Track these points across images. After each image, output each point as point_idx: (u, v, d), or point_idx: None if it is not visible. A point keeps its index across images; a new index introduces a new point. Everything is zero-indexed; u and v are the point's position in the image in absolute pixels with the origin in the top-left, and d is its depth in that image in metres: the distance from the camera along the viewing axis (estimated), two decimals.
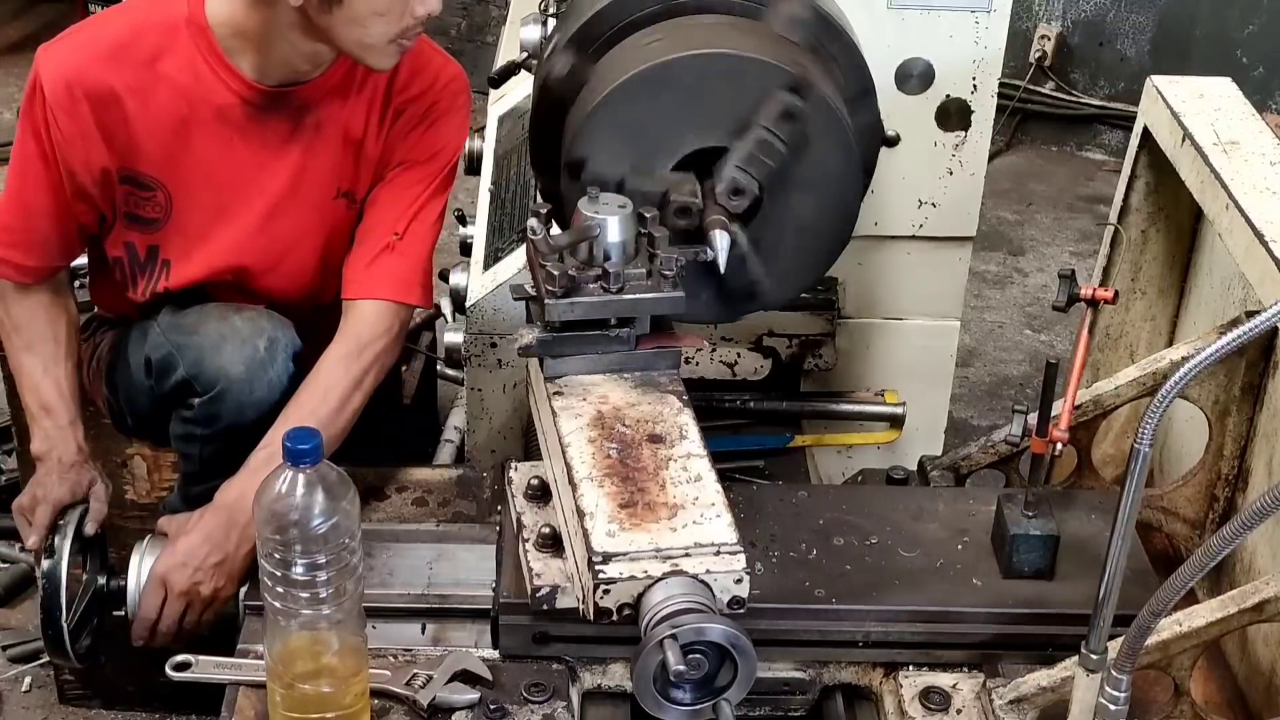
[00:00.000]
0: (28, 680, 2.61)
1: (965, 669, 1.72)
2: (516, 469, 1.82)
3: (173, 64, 1.86)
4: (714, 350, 2.38)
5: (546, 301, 1.65)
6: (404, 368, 2.75)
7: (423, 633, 1.75)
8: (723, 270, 1.71)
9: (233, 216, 1.96)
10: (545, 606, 1.64)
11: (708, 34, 1.77)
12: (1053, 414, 1.76)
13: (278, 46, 1.85)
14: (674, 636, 1.43)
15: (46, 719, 2.55)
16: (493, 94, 2.76)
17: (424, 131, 1.98)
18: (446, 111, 2.00)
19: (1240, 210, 1.88)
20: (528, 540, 1.70)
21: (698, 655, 1.46)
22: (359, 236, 2.00)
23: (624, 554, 1.50)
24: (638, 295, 1.66)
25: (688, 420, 1.66)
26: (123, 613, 1.87)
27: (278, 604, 1.54)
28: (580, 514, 1.54)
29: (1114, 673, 1.48)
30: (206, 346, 1.89)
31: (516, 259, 2.34)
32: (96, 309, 2.19)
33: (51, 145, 1.86)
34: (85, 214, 1.95)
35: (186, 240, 1.97)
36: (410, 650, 1.71)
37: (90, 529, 1.90)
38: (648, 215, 1.69)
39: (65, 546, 1.84)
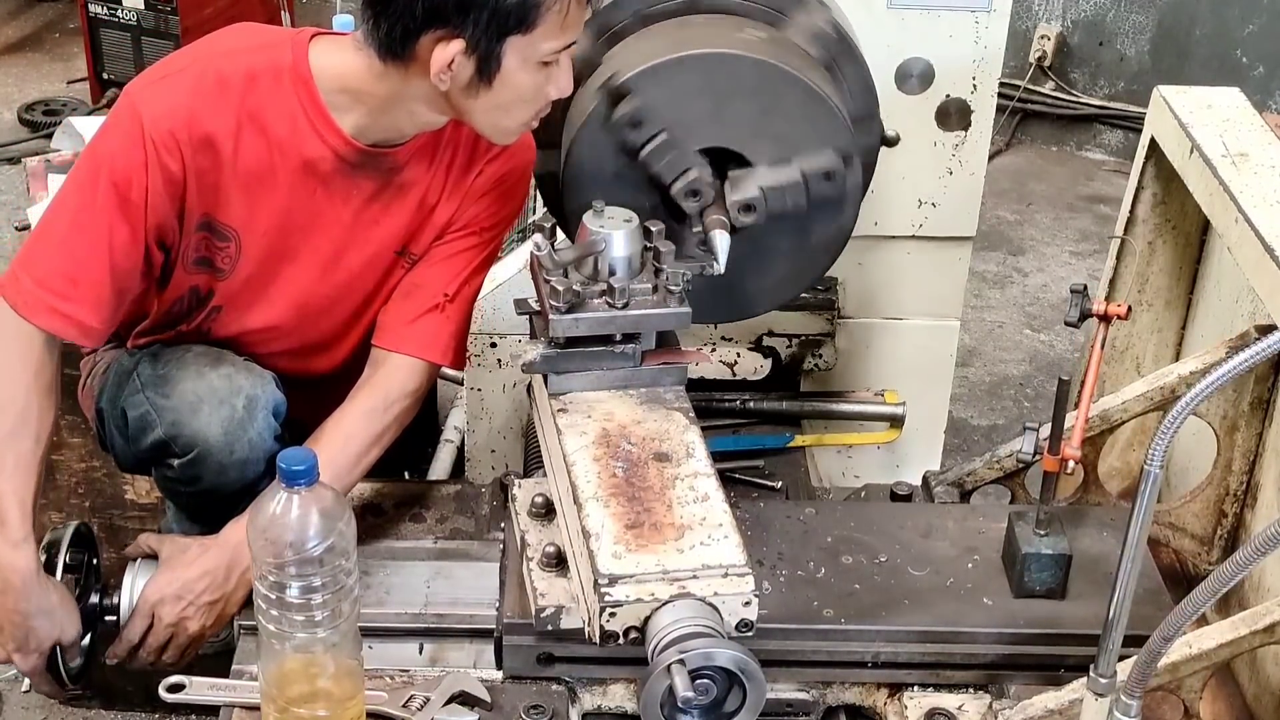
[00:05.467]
0: (27, 680, 2.59)
1: (972, 690, 1.70)
2: (520, 486, 1.79)
3: (272, 112, 1.78)
4: (714, 350, 2.37)
5: (551, 317, 1.63)
6: None
7: (420, 653, 1.72)
8: (722, 270, 1.71)
9: (295, 267, 1.90)
10: (550, 627, 1.61)
11: (802, 60, 1.79)
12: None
13: (394, 113, 1.79)
14: (682, 661, 1.41)
15: (46, 719, 2.52)
16: None
17: (494, 199, 1.94)
18: (517, 182, 1.96)
19: (1250, 223, 1.85)
20: (532, 559, 1.68)
21: (706, 680, 1.44)
22: (405, 289, 1.95)
23: (630, 576, 1.48)
24: (643, 311, 1.65)
25: (694, 438, 1.64)
26: (115, 618, 1.82)
27: (272, 626, 1.50)
28: (585, 534, 1.52)
29: (1124, 698, 1.45)
30: (183, 408, 1.81)
31: (516, 259, 2.32)
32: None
33: (145, 191, 1.75)
34: (158, 264, 1.86)
35: (243, 289, 1.91)
36: (407, 671, 1.68)
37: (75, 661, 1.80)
38: (653, 229, 1.67)
39: (58, 566, 1.80)
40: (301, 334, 1.98)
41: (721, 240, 1.71)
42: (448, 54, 1.66)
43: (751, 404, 2.38)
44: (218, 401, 1.81)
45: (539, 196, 2.12)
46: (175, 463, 1.84)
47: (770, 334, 2.38)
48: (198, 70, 1.79)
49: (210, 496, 1.85)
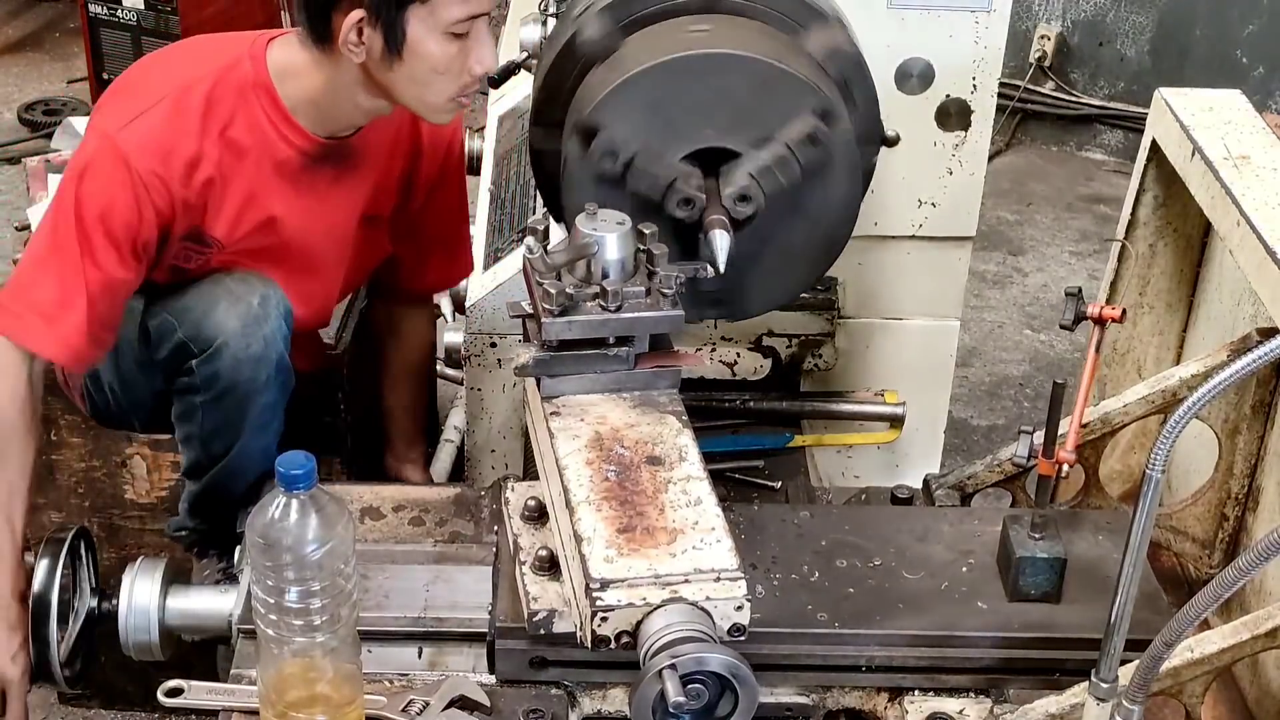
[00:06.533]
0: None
1: (972, 694, 1.69)
2: (514, 489, 1.78)
3: (243, 128, 1.89)
4: (714, 350, 2.36)
5: (543, 320, 1.62)
6: None
7: (419, 657, 1.71)
8: (721, 270, 1.70)
9: (278, 265, 1.99)
10: (542, 631, 1.61)
11: (753, 39, 1.76)
12: (1060, 433, 1.73)
13: (339, 102, 1.90)
14: (673, 666, 1.41)
15: (46, 719, 2.52)
16: (492, 94, 2.76)
17: (444, 155, 2.11)
18: (454, 164, 2.16)
19: (1251, 226, 1.84)
20: (525, 563, 1.67)
21: (697, 685, 1.44)
22: (423, 252, 2.23)
23: (622, 580, 1.47)
24: (637, 314, 1.64)
25: (687, 441, 1.63)
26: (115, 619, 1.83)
27: (270, 631, 1.50)
28: (578, 538, 1.51)
29: (1126, 703, 1.45)
30: (202, 307, 1.90)
31: (516, 259, 2.32)
32: None
33: (136, 227, 1.83)
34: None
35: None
36: (406, 675, 1.68)
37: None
38: (646, 232, 1.67)
39: (55, 573, 1.80)
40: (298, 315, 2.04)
41: (721, 240, 1.70)
42: (350, 22, 1.76)
43: (751, 404, 2.38)
44: (234, 299, 1.90)
45: (538, 196, 2.12)
46: (194, 364, 1.90)
47: (770, 334, 2.37)
48: (170, 103, 1.87)
49: (224, 407, 1.91)
